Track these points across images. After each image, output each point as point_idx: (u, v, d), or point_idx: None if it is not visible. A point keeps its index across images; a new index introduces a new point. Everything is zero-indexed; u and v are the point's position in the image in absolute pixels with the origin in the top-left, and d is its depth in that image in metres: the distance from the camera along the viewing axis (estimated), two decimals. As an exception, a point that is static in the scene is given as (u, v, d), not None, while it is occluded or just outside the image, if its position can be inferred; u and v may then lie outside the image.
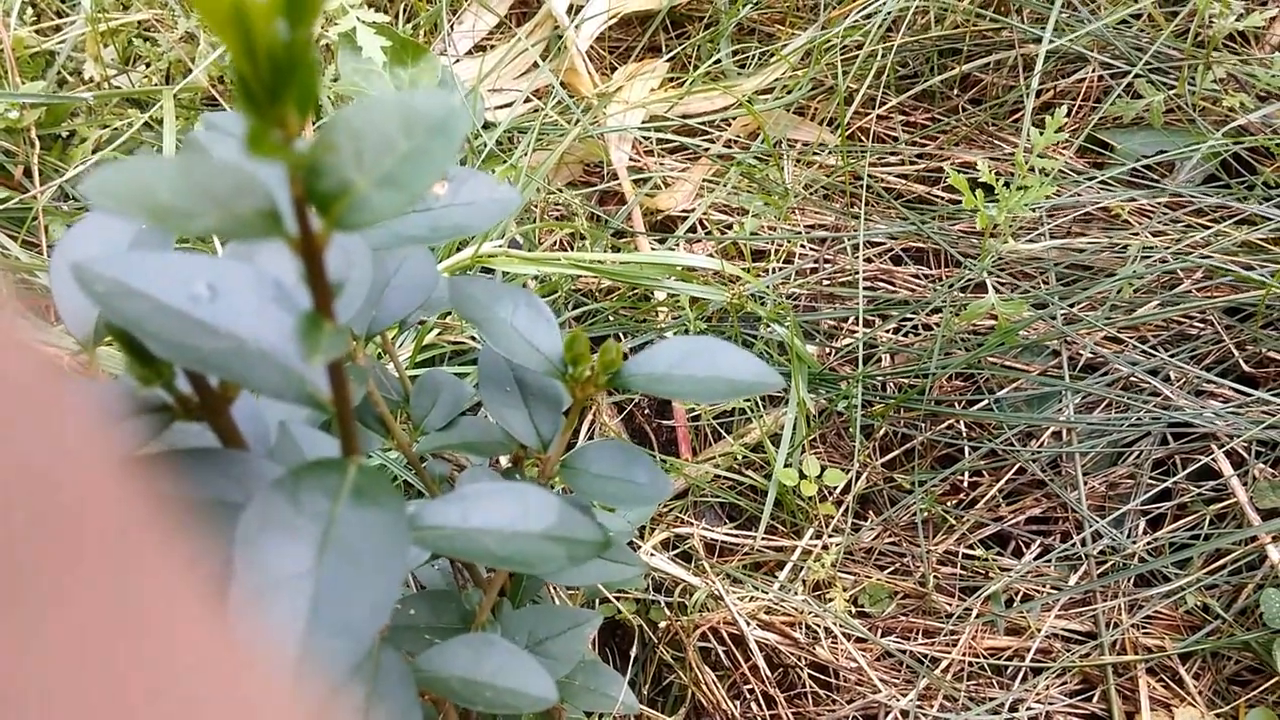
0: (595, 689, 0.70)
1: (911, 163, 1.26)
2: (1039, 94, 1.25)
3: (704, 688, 0.93)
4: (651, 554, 0.99)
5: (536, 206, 1.24)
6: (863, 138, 1.32)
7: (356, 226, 0.27)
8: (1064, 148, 1.16)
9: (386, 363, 0.66)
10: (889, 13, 1.29)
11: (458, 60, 1.45)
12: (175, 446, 0.39)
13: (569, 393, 0.54)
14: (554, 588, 0.91)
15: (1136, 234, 1.02)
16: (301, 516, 0.30)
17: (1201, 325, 1.02)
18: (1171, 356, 1.01)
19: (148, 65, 1.33)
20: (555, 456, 0.55)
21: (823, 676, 0.92)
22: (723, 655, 0.95)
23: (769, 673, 0.92)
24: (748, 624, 0.93)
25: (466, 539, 0.39)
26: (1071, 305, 1.02)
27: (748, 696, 0.93)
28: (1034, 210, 1.07)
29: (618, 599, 0.99)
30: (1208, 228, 1.03)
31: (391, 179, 0.27)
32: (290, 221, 0.27)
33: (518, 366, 0.57)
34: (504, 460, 0.69)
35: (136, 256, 0.35)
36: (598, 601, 0.99)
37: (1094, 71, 1.15)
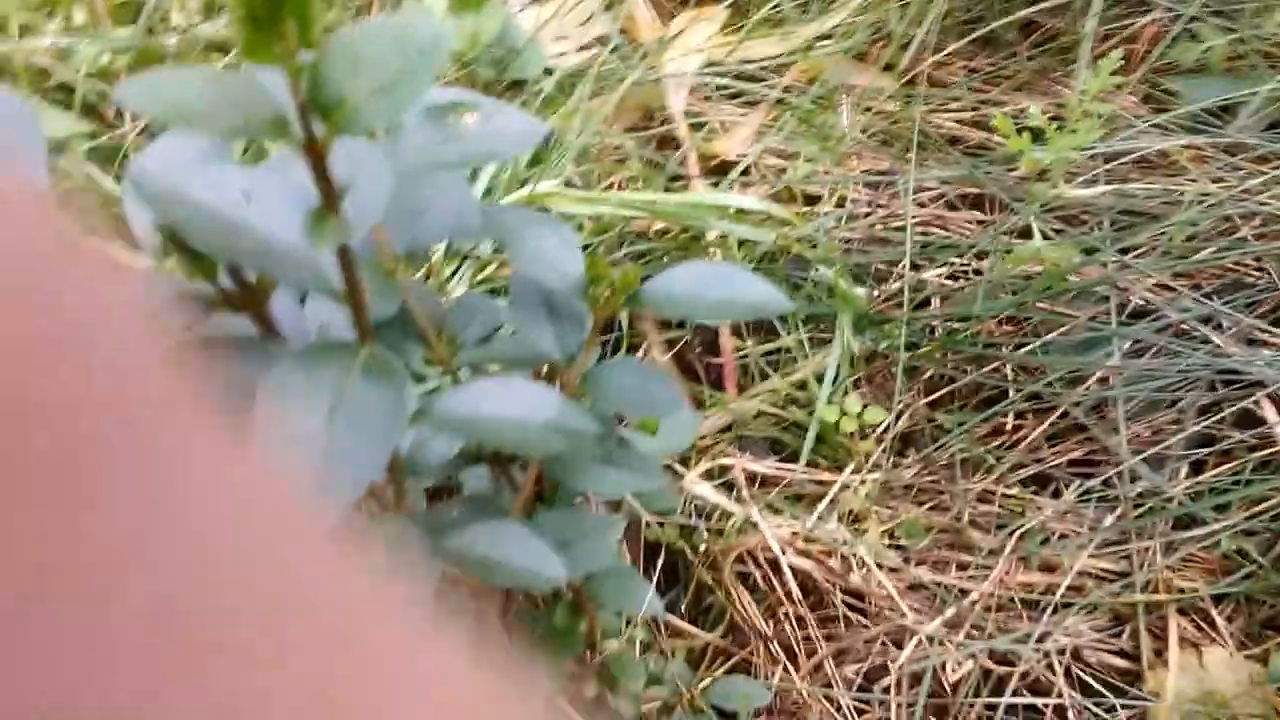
0: (623, 592, 0.75)
1: (972, 109, 1.26)
2: (1105, 39, 1.23)
3: (739, 608, 0.97)
4: (694, 482, 1.04)
5: (594, 150, 1.28)
6: (922, 84, 1.32)
7: (354, 131, 0.31)
8: (1126, 94, 1.15)
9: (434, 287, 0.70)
10: (954, -43, 1.28)
11: (521, 9, 1.48)
12: (222, 335, 0.44)
13: (589, 310, 0.58)
14: (596, 504, 0.96)
15: (1194, 180, 1.01)
16: (315, 386, 0.35)
17: (1258, 273, 1.01)
18: (1225, 304, 1.00)
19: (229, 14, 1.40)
20: (578, 370, 0.60)
21: (855, 602, 0.96)
22: (760, 579, 0.99)
23: (802, 597, 0.96)
24: (782, 551, 0.97)
25: (476, 425, 0.43)
26: (1123, 252, 1.02)
27: (781, 619, 0.97)
28: (1089, 156, 1.06)
29: (661, 524, 1.04)
30: (1267, 174, 1.01)
31: (384, 90, 0.31)
32: (297, 127, 0.31)
33: (545, 288, 0.61)
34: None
35: (186, 168, 0.39)
36: (644, 522, 1.04)
37: (1158, 16, 1.14)
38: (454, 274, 1.13)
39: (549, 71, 1.34)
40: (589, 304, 0.58)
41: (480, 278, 1.10)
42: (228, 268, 0.41)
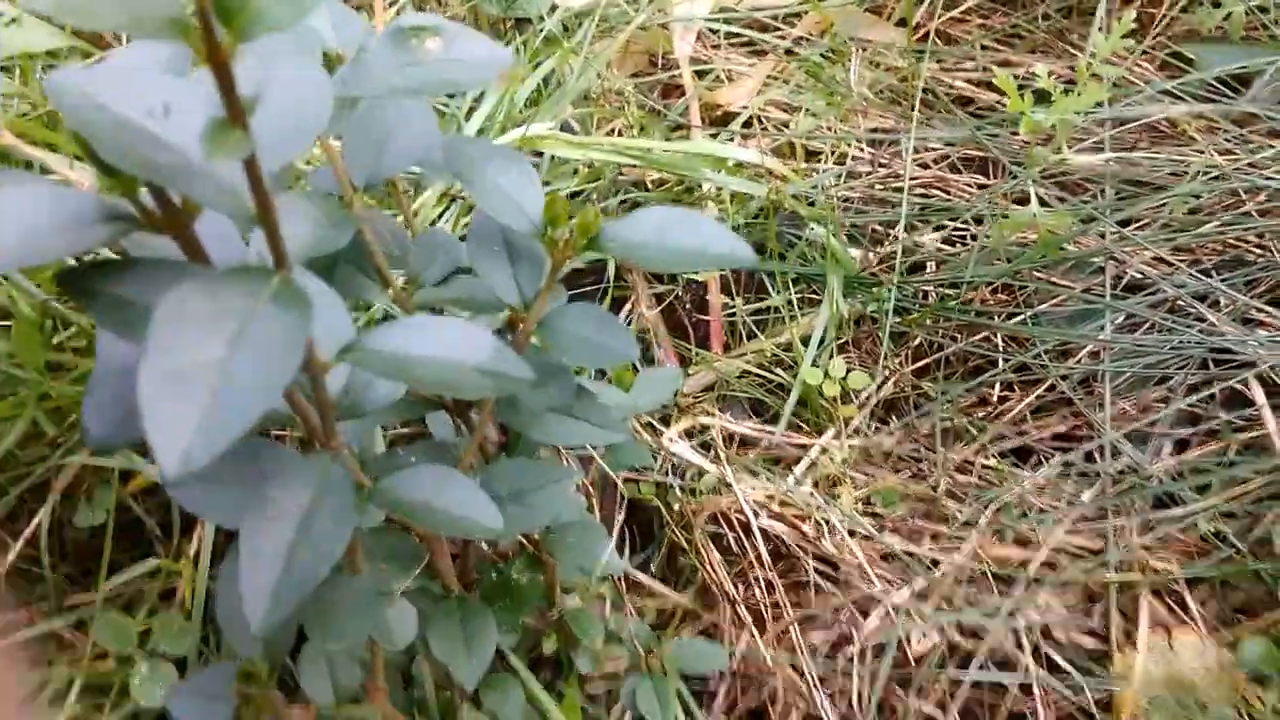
0: (583, 547, 0.74)
1: (985, 69, 1.22)
2: (1129, 2, 1.19)
3: (709, 568, 0.96)
4: (672, 440, 1.02)
5: (595, 94, 1.25)
6: (938, 40, 1.28)
7: (256, 36, 0.29)
8: (1143, 58, 1.11)
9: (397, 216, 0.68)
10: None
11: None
12: (143, 256, 0.42)
13: (547, 253, 0.56)
14: (566, 458, 0.95)
15: (1201, 151, 0.98)
16: (219, 311, 0.33)
17: (1260, 250, 0.99)
18: (1223, 281, 0.97)
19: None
20: (535, 315, 0.58)
21: (825, 569, 0.95)
22: (732, 541, 0.98)
23: (772, 562, 0.95)
24: (755, 514, 0.96)
25: (403, 364, 0.41)
26: (1123, 223, 0.99)
27: (751, 583, 0.96)
28: (1096, 122, 1.03)
29: (637, 482, 1.02)
30: (1276, 148, 0.98)
31: (287, -9, 0.29)
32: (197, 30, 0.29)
33: (506, 228, 0.59)
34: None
35: (103, 72, 0.37)
36: (622, 479, 1.03)
37: (1181, -21, 1.10)
38: (442, 214, 1.11)
39: (554, 9, 1.31)
40: (546, 246, 0.56)
41: (466, 220, 1.08)
42: (149, 185, 0.39)
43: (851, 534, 0.94)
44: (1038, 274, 1.03)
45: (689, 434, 1.04)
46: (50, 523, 0.85)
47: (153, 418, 0.30)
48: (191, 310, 0.33)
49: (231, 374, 0.32)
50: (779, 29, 1.32)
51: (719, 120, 1.27)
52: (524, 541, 0.76)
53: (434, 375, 0.40)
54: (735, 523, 0.98)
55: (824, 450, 1.00)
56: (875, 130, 1.20)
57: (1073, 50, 1.19)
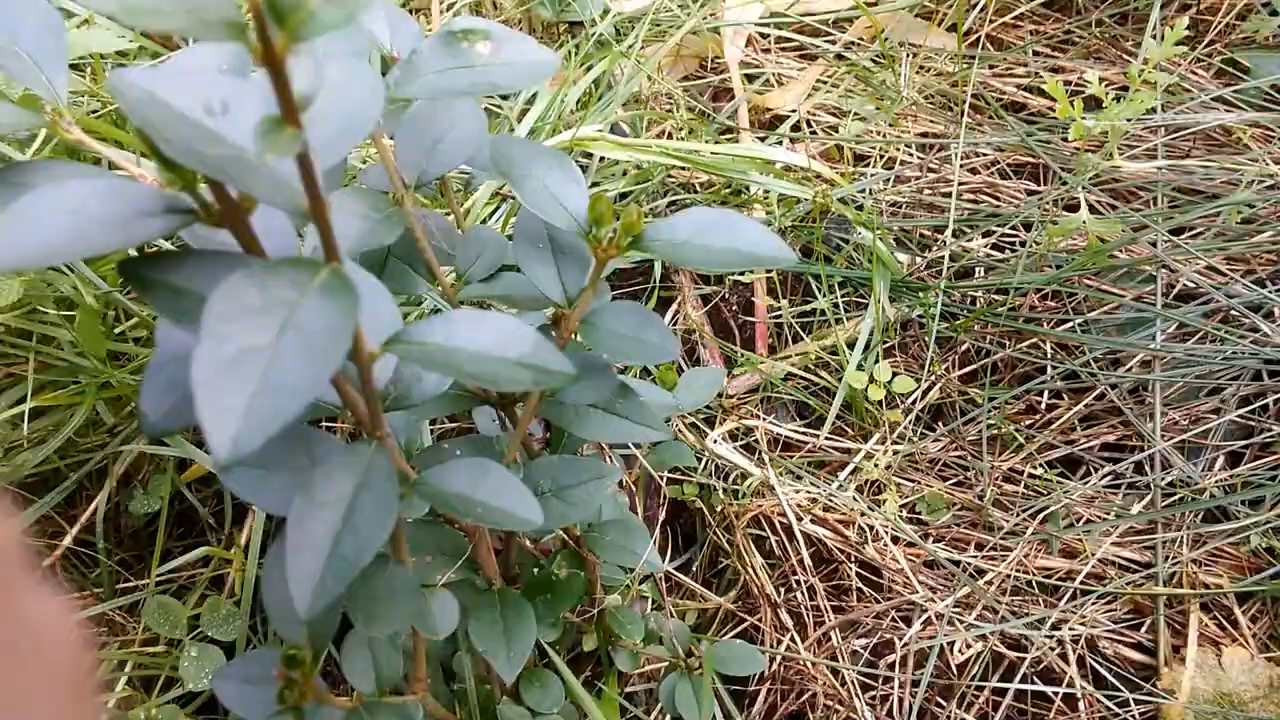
0: (624, 545, 0.74)
1: (1036, 74, 1.21)
2: (1185, 7, 1.17)
3: (751, 571, 0.96)
4: (716, 442, 1.02)
5: (646, 97, 1.25)
6: (989, 45, 1.27)
7: (309, 37, 0.30)
8: (1198, 66, 1.09)
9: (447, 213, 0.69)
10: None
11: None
12: (202, 248, 0.44)
13: (591, 252, 0.57)
14: (609, 456, 0.96)
15: (1255, 160, 0.96)
16: (268, 301, 0.34)
17: (1319, 262, 0.97)
18: (1277, 291, 0.96)
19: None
20: (578, 313, 0.58)
21: (867, 575, 0.94)
22: (774, 545, 0.98)
23: (814, 566, 0.95)
24: (798, 518, 0.96)
25: (446, 355, 0.42)
26: (1175, 232, 0.98)
27: (793, 586, 0.96)
28: (1149, 129, 1.02)
29: (681, 483, 1.03)
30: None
31: (339, -6, 0.30)
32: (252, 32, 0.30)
33: (550, 226, 0.59)
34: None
35: (164, 71, 0.39)
36: (665, 479, 1.03)
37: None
38: (494, 213, 1.12)
39: (606, 13, 1.32)
40: (590, 245, 0.56)
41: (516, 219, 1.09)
42: (208, 180, 0.41)
43: (895, 540, 0.94)
44: (1088, 281, 1.01)
45: (733, 436, 1.04)
46: (106, 509, 0.88)
47: (205, 403, 0.31)
48: (242, 299, 0.34)
49: (279, 361, 0.33)
50: (829, 34, 1.32)
51: (768, 124, 1.27)
52: (566, 538, 0.77)
53: (474, 366, 0.41)
54: (778, 526, 0.98)
55: (868, 455, 1.00)
56: (924, 135, 1.19)
57: (1126, 57, 1.18)
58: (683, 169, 1.16)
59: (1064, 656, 0.89)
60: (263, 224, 0.43)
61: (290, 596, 0.43)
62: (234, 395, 0.32)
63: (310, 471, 0.45)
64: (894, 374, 1.02)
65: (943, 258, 1.07)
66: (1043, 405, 1.01)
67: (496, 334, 0.42)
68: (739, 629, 0.98)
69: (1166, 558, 0.89)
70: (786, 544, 0.97)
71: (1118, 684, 0.88)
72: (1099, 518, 0.94)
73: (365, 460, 0.45)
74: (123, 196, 0.40)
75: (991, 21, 1.25)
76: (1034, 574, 0.92)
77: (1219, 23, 1.10)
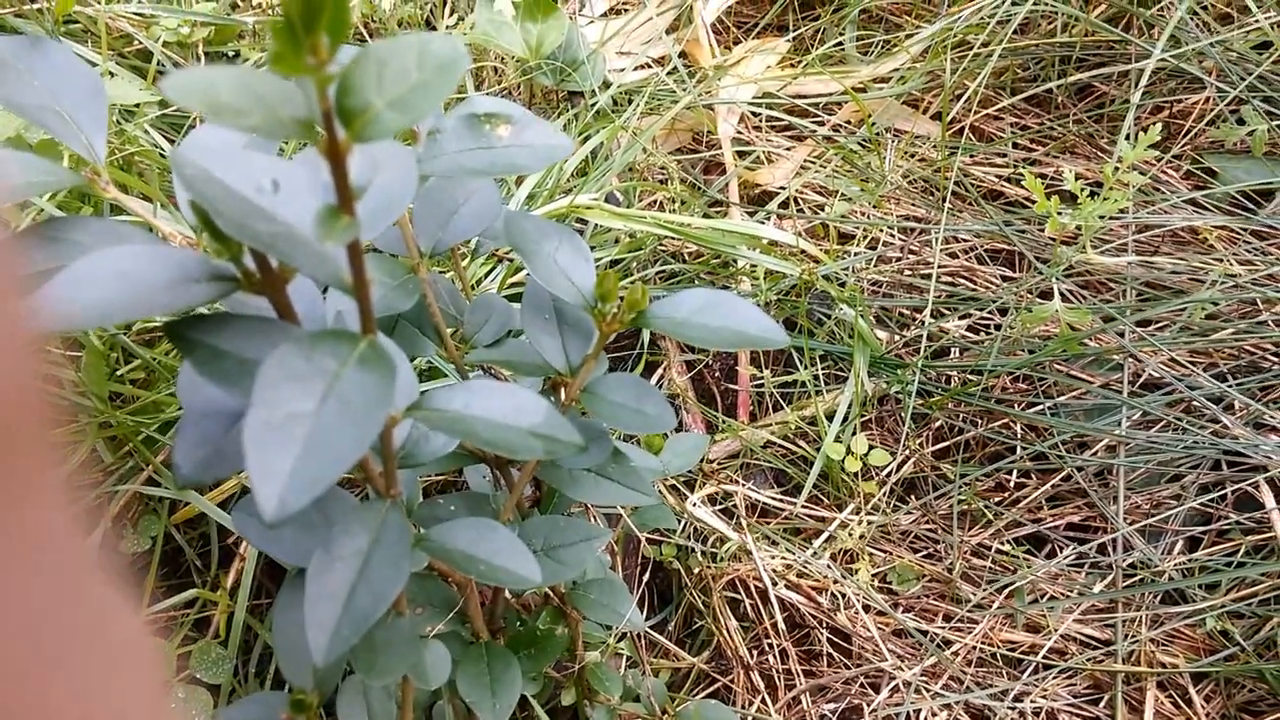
0: (607, 604, 0.77)
1: (1014, 166, 1.27)
2: (1156, 110, 1.24)
3: (726, 634, 0.99)
4: (695, 505, 1.05)
5: (640, 167, 1.30)
6: (972, 135, 1.33)
7: (371, 139, 0.34)
8: (1169, 168, 1.15)
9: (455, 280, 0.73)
10: (1013, 12, 1.30)
11: (591, 21, 1.52)
12: (239, 312, 0.47)
13: (596, 325, 0.60)
14: (594, 515, 0.98)
15: (1221, 260, 1.01)
16: (312, 370, 0.37)
17: (1275, 358, 1.02)
18: (1237, 385, 1.00)
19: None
20: (579, 382, 0.62)
21: (838, 641, 0.97)
22: (749, 608, 1.01)
23: (787, 630, 0.98)
24: (773, 582, 0.99)
25: (463, 422, 0.45)
26: (1142, 324, 1.03)
27: (766, 649, 0.99)
28: (1122, 225, 1.07)
29: (659, 544, 1.06)
30: (1295, 262, 1.02)
31: (401, 103, 0.33)
32: (321, 130, 0.34)
33: (557, 298, 0.63)
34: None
35: (220, 151, 0.42)
36: (644, 539, 1.06)
37: (1209, 94, 1.14)
38: (489, 273, 1.16)
39: (607, 85, 1.37)
40: (595, 319, 0.60)
41: (513, 280, 1.13)
42: (251, 251, 0.44)
43: (866, 609, 0.97)
44: (1058, 367, 1.06)
45: (712, 500, 1.07)
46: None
47: (255, 465, 0.34)
48: (289, 368, 0.37)
49: (322, 427, 0.36)
50: (818, 116, 1.38)
51: (757, 199, 1.32)
52: (549, 594, 0.80)
53: (490, 434, 0.44)
54: (753, 589, 1.00)
55: (843, 525, 1.03)
56: (907, 218, 1.25)
57: (1100, 153, 1.24)
58: (674, 239, 1.20)
59: (1025, 729, 0.92)
60: (296, 291, 0.47)
61: (299, 642, 0.45)
62: (282, 458, 0.35)
63: (326, 528, 0.48)
64: (870, 447, 1.06)
65: (920, 337, 1.11)
66: (1012, 484, 1.05)
67: (512, 404, 0.46)
68: (711, 689, 1.00)
69: (1126, 636, 0.93)
70: (761, 608, 1.00)
71: (1076, 758, 0.91)
72: (1062, 595, 0.97)
73: (380, 517, 0.48)
74: (170, 262, 0.43)
75: (975, 112, 1.32)
76: (999, 646, 0.95)
77: (1190, 128, 1.17)
